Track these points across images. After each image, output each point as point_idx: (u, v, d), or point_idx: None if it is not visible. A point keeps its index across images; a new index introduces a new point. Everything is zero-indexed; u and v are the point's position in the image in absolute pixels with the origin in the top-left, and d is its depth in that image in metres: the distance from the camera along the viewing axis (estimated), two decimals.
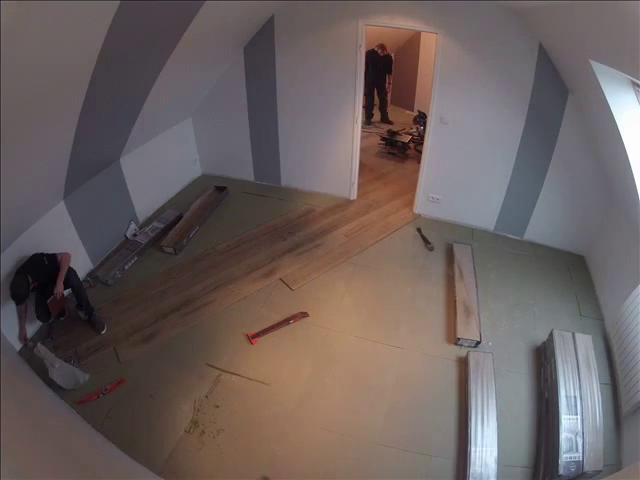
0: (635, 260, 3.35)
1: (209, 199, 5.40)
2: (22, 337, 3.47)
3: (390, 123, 7.97)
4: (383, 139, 6.99)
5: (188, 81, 4.47)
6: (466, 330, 3.66)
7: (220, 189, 5.56)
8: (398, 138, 6.89)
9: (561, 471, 2.56)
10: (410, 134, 7.13)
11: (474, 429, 2.85)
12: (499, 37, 3.90)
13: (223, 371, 3.34)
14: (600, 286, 4.12)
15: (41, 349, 3.10)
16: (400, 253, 4.66)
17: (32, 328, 3.61)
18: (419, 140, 6.78)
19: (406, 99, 8.66)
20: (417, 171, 5.11)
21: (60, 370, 3.09)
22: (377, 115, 8.20)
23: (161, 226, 4.87)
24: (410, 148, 6.87)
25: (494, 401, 3.02)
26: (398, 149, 6.85)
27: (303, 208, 5.36)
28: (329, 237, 4.87)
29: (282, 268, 4.39)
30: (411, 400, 3.22)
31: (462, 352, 3.52)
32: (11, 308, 3.23)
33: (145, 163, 4.82)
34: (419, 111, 7.62)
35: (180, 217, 5.06)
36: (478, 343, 3.56)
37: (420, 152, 5.38)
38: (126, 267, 4.36)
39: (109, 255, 4.47)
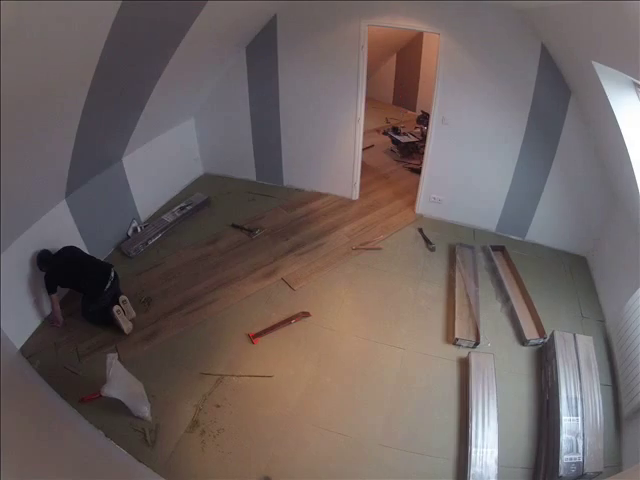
0: (636, 261, 3.34)
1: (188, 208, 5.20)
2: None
3: None
4: (391, 138, 7.02)
5: (190, 81, 4.47)
6: (464, 330, 3.66)
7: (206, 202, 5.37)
8: (402, 139, 6.90)
9: (561, 472, 2.56)
10: (414, 135, 7.13)
11: (475, 430, 2.85)
12: (501, 37, 3.90)
13: (221, 375, 3.33)
14: (601, 287, 4.11)
15: (113, 361, 2.95)
16: (402, 253, 4.65)
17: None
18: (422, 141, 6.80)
19: (408, 100, 8.66)
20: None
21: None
22: None
23: (189, 207, 5.14)
24: (417, 149, 6.86)
25: (495, 402, 3.01)
26: (401, 149, 6.86)
27: (305, 208, 5.36)
28: (331, 237, 4.87)
29: (284, 268, 4.39)
30: (412, 400, 3.22)
31: (463, 353, 3.52)
32: (11, 307, 3.23)
33: (147, 162, 4.83)
34: (422, 111, 7.63)
35: (207, 201, 5.32)
36: (476, 344, 3.56)
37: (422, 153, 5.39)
38: (150, 242, 4.66)
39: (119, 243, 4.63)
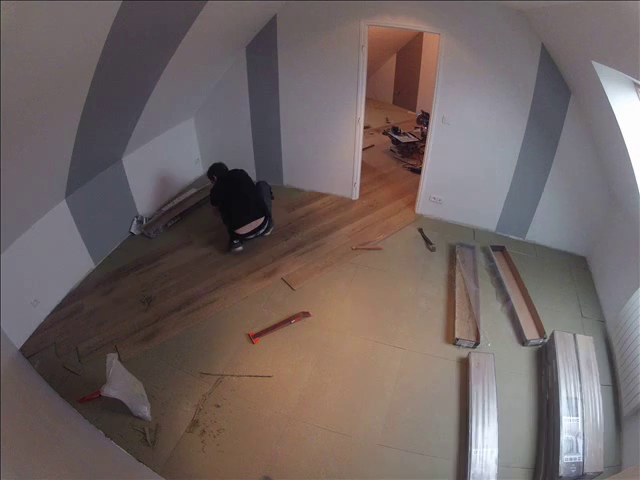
0: (636, 262, 3.34)
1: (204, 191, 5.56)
2: None
3: None
4: (391, 138, 7.01)
5: (190, 81, 4.47)
6: (464, 331, 3.66)
7: None
8: (402, 139, 6.89)
9: (561, 472, 2.56)
10: (414, 135, 7.14)
11: (475, 430, 2.85)
12: (502, 37, 3.89)
13: (221, 375, 3.33)
14: (602, 287, 4.11)
15: (113, 361, 2.96)
16: (402, 253, 4.65)
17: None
18: (422, 141, 6.82)
19: (408, 99, 8.66)
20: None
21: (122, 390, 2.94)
22: None
23: (207, 193, 5.34)
24: (417, 149, 6.86)
25: (495, 402, 3.01)
26: (401, 149, 6.85)
27: (305, 208, 5.36)
28: (331, 237, 4.87)
29: (284, 268, 4.39)
30: (412, 400, 3.22)
31: (463, 353, 3.52)
32: (11, 307, 3.22)
33: (147, 162, 4.84)
34: (422, 111, 7.63)
35: None
36: (476, 344, 3.56)
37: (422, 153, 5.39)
38: (169, 225, 4.99)
39: (153, 214, 5.08)
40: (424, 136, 6.59)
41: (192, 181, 5.83)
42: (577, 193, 4.38)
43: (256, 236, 4.56)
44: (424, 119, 7.35)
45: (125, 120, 3.88)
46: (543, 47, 3.78)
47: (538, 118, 4.15)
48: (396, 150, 6.89)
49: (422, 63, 8.10)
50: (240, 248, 4.53)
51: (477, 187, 4.79)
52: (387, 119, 8.22)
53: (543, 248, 4.78)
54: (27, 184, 3.00)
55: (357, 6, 4.18)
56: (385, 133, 7.38)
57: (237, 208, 4.39)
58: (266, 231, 4.63)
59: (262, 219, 4.46)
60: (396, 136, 6.97)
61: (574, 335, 3.28)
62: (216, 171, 4.61)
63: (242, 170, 4.65)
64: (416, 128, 7.48)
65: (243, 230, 4.40)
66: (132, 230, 4.77)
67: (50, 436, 2.30)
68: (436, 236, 4.88)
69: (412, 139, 6.92)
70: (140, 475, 2.67)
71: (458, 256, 4.47)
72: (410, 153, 6.79)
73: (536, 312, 3.80)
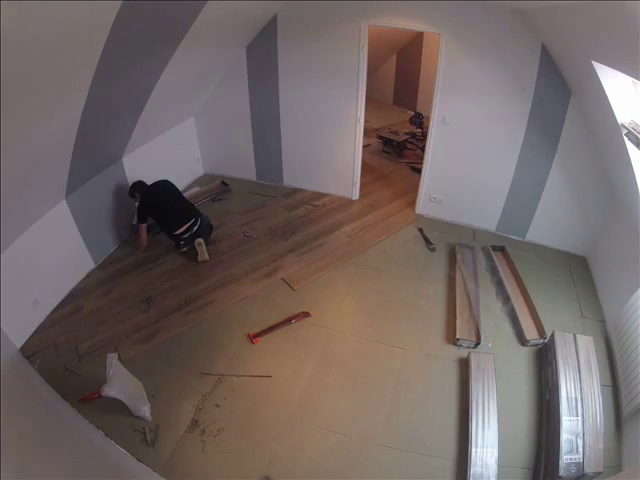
0: (636, 262, 3.34)
1: (207, 191, 5.62)
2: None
3: None
4: (380, 137, 7.00)
5: (190, 81, 4.47)
6: (465, 331, 3.66)
7: (224, 184, 5.74)
8: (394, 137, 6.89)
9: (561, 472, 2.55)
10: (409, 134, 7.14)
11: (475, 430, 2.85)
12: (502, 37, 3.89)
13: (221, 375, 3.33)
14: (602, 287, 4.11)
15: (113, 361, 2.95)
16: (402, 253, 4.65)
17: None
18: (419, 141, 6.83)
19: (408, 99, 8.65)
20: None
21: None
22: None
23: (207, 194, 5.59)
24: (406, 148, 6.87)
25: (495, 402, 3.01)
26: (393, 148, 6.85)
27: (305, 208, 5.36)
28: (331, 237, 4.86)
29: (284, 268, 4.39)
30: (412, 400, 3.22)
31: (463, 353, 3.52)
32: (11, 307, 3.22)
33: (147, 162, 4.83)
34: (415, 112, 7.71)
35: (228, 188, 5.71)
36: (477, 344, 3.56)
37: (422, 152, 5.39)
38: None
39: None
40: (424, 136, 6.58)
41: (192, 181, 5.83)
42: (577, 193, 4.37)
43: (191, 234, 4.45)
44: (416, 119, 7.43)
45: (125, 120, 3.87)
46: (543, 47, 3.78)
47: (538, 118, 4.14)
48: (390, 150, 6.87)
49: (422, 63, 8.09)
50: (186, 249, 4.55)
51: (477, 187, 4.79)
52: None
53: (543, 248, 4.77)
54: (27, 184, 2.99)
55: (357, 6, 4.18)
56: (380, 137, 7.26)
57: (173, 211, 4.39)
58: (200, 230, 4.51)
59: (194, 219, 4.45)
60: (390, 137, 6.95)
61: (574, 335, 3.28)
62: (137, 188, 4.39)
63: (165, 180, 4.54)
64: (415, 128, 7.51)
65: (180, 230, 4.38)
66: (134, 222, 4.73)
67: (50, 436, 2.30)
68: (436, 236, 4.88)
69: (405, 138, 6.91)
70: (140, 475, 2.67)
71: (458, 256, 4.47)
72: (401, 150, 6.80)
73: (536, 312, 3.80)
